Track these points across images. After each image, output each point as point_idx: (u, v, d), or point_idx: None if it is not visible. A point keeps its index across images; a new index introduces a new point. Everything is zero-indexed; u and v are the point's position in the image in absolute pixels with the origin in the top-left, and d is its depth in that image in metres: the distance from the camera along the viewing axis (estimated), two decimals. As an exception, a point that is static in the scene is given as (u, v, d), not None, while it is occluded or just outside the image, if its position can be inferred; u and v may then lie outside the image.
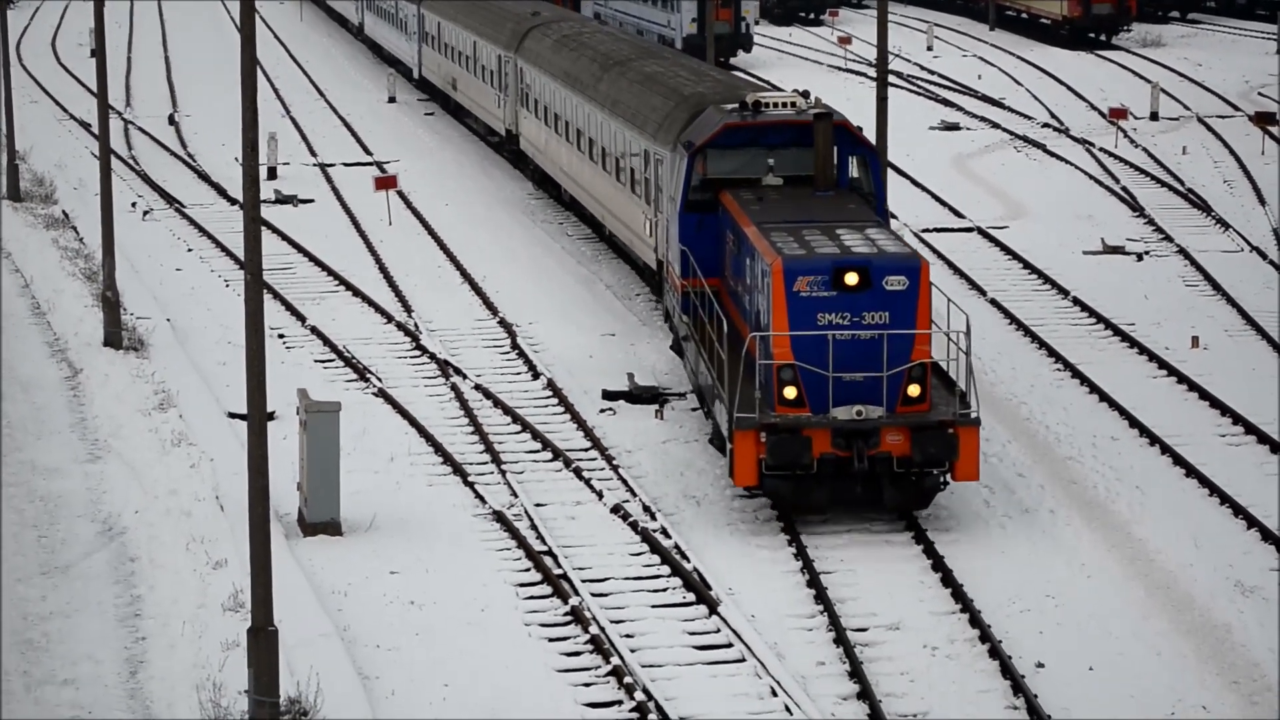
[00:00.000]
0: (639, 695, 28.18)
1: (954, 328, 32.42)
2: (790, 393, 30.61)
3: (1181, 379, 43.82)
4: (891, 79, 57.49)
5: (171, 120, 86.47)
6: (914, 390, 30.90)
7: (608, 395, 43.20)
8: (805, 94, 40.19)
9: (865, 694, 28.01)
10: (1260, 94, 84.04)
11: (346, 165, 72.34)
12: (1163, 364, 45.04)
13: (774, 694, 28.31)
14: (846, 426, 30.41)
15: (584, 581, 32.60)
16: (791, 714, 27.67)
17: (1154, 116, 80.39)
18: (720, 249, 37.43)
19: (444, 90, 79.39)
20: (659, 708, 27.73)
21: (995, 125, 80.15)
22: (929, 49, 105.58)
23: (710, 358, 34.92)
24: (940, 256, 54.11)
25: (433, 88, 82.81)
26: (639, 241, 46.08)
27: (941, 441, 30.48)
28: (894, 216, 45.17)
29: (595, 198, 50.89)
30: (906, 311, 30.67)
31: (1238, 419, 40.79)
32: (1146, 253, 56.43)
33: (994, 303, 49.70)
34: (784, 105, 38.51)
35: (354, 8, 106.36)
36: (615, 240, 52.50)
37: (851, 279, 30.30)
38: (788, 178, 37.58)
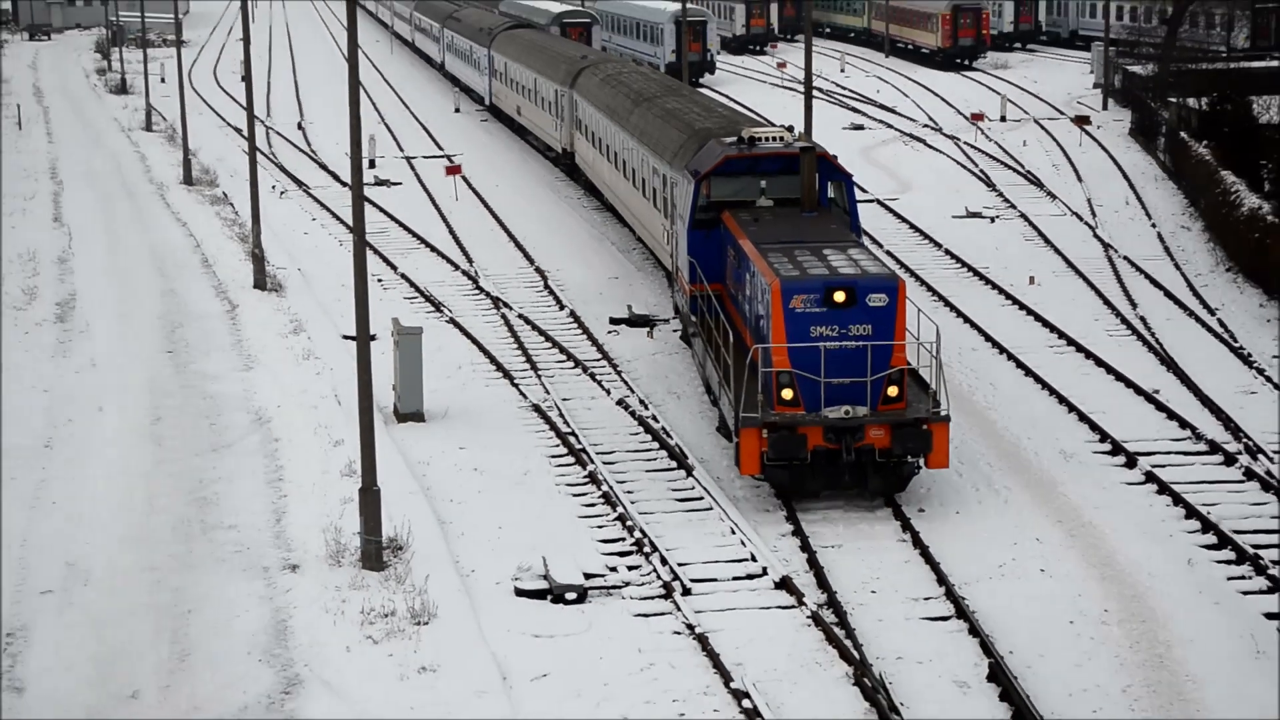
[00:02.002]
0: (637, 534, 28.66)
1: (925, 333, 30.31)
2: (787, 394, 28.33)
3: (1022, 306, 44.06)
4: (815, 93, 57.48)
5: (299, 126, 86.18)
6: (893, 391, 28.49)
7: (613, 321, 43.35)
8: (790, 129, 38.36)
9: (806, 546, 27.97)
10: (1079, 102, 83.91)
11: (425, 158, 72.19)
12: (1009, 296, 45.26)
13: (733, 533, 28.69)
14: (836, 424, 28.14)
15: (597, 453, 32.86)
16: (745, 546, 28.07)
17: (1002, 119, 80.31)
18: (722, 259, 34.87)
19: (510, 115, 77.19)
20: (651, 542, 28.19)
21: (889, 125, 80.00)
22: (842, 70, 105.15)
23: (716, 357, 32.65)
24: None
25: (499, 111, 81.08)
26: (659, 247, 43.39)
27: (918, 436, 28.27)
28: (867, 234, 43.11)
29: (628, 207, 49.02)
30: (886, 324, 28.28)
31: (1062, 335, 41.04)
32: (997, 216, 56.51)
33: (889, 253, 49.69)
34: (774, 139, 36.01)
35: (436, 48, 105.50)
36: (628, 227, 51.13)
37: (840, 297, 27.97)
38: (778, 200, 34.93)
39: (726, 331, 31.39)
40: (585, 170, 58.03)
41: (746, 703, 22.60)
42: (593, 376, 38.38)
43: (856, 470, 28.72)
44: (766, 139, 35.86)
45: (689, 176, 36.07)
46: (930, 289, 45.36)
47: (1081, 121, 73.50)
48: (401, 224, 56.88)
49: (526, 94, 70.55)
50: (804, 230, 32.34)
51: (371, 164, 68.59)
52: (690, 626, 25.10)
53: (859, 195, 36.43)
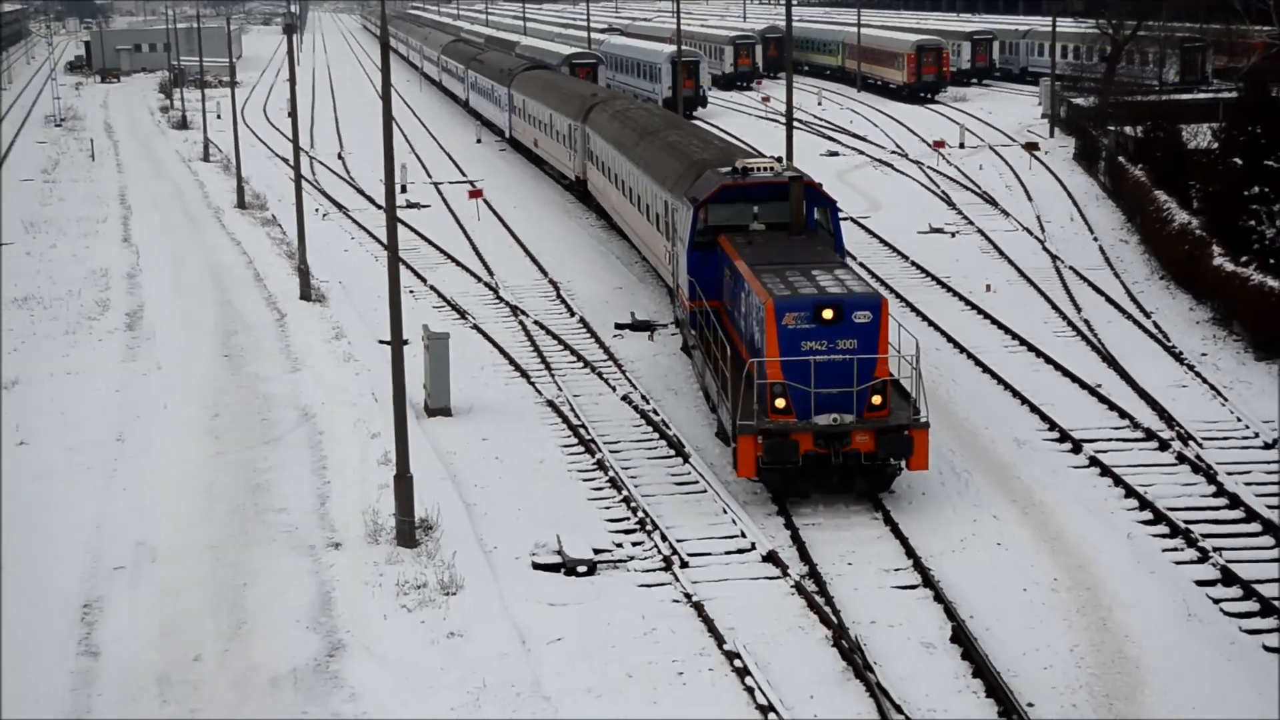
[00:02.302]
0: (640, 514, 28.73)
1: (905, 346, 29.92)
2: (780, 403, 27.62)
3: (979, 311, 44.04)
4: (795, 123, 57.48)
5: (339, 156, 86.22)
6: (877, 400, 27.70)
7: (618, 326, 43.31)
8: (779, 159, 37.71)
9: (790, 524, 28.02)
10: (1028, 131, 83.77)
11: (450, 183, 72.24)
12: (968, 302, 45.25)
13: (725, 512, 28.75)
14: (825, 430, 27.45)
15: (604, 443, 32.85)
16: (736, 524, 28.11)
17: (961, 145, 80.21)
18: (719, 278, 34.08)
19: (528, 146, 76.54)
20: (652, 521, 28.27)
21: (861, 152, 79.96)
22: (819, 104, 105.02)
23: (715, 369, 31.92)
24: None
25: (518, 143, 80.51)
26: (661, 265, 42.54)
27: (900, 441, 27.50)
28: (851, 256, 42.87)
29: (634, 230, 48.30)
30: (871, 338, 27.53)
31: (1015, 336, 41.04)
32: (957, 232, 56.49)
33: (863, 264, 49.69)
34: (765, 169, 35.24)
35: (461, 87, 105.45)
36: (632, 245, 50.59)
37: (828, 314, 27.26)
38: (769, 224, 34.13)
39: (724, 346, 30.77)
40: (596, 196, 57.74)
41: (738, 663, 22.71)
42: (600, 375, 38.38)
43: (844, 472, 28.13)
44: (758, 169, 35.29)
45: (688, 203, 35.46)
46: (899, 296, 45.31)
47: (1031, 148, 73.45)
48: (430, 241, 56.91)
49: (543, 128, 70.26)
50: (793, 252, 31.75)
51: (403, 189, 68.69)
52: (688, 595, 25.17)
53: (840, 217, 35.79)
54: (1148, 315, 43.23)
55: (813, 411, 27.53)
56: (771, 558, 26.44)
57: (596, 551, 26.83)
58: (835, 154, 78.96)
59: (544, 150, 70.86)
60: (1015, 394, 35.76)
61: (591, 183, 58.32)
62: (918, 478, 29.66)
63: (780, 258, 31.05)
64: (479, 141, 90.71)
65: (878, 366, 27.63)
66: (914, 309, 43.81)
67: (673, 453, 32.28)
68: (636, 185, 45.75)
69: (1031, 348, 39.91)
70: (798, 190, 33.61)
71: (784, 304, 27.56)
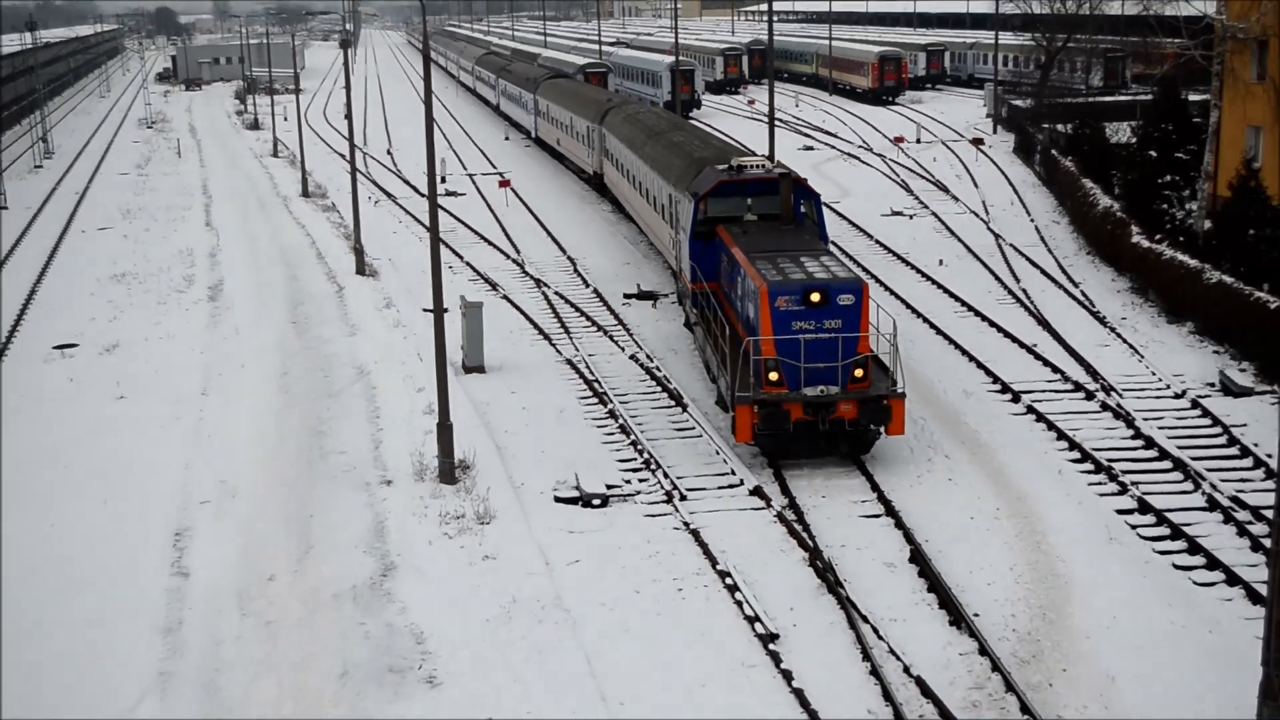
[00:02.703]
0: (645, 455, 28.78)
1: (885, 325, 29.16)
2: (774, 376, 26.67)
3: (933, 282, 43.92)
4: (776, 122, 57.25)
5: (388, 152, 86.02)
6: (859, 373, 26.79)
7: (626, 296, 43.20)
8: (769, 157, 36.09)
9: (773, 463, 27.92)
10: (975, 128, 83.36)
11: (483, 175, 72.07)
12: (923, 274, 45.13)
13: (716, 453, 28.80)
14: (813, 400, 26.55)
15: (615, 395, 32.87)
16: (726, 463, 28.15)
17: (918, 141, 79.94)
18: (717, 263, 33.04)
19: (551, 145, 75.45)
20: (656, 461, 28.34)
21: (832, 146, 79.70)
22: (796, 105, 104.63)
23: (715, 345, 31.08)
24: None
25: (543, 142, 79.41)
26: (665, 250, 41.41)
27: (880, 410, 26.67)
28: (834, 243, 41.85)
29: (642, 218, 47.39)
30: (854, 319, 26.67)
31: (963, 303, 40.98)
32: (914, 214, 56.29)
33: (835, 243, 49.49)
34: (758, 167, 34.19)
35: (492, 94, 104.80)
36: (640, 230, 49.92)
37: (815, 297, 26.45)
38: (761, 215, 33.11)
39: (724, 325, 30.12)
40: (611, 188, 57.14)
41: (729, 580, 22.83)
42: (611, 337, 38.33)
43: (830, 437, 27.39)
44: (751, 166, 34.31)
45: (690, 197, 34.50)
46: (865, 269, 45.25)
47: (977, 143, 73.22)
48: (466, 224, 56.81)
49: (564, 129, 69.42)
50: (783, 240, 30.90)
51: (443, 179, 68.46)
52: (686, 524, 25.26)
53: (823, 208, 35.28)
54: (1076, 285, 43.16)
55: (802, 384, 26.75)
56: (757, 492, 26.52)
57: (609, 487, 26.91)
58: (810, 148, 78.70)
59: (565, 148, 70.24)
60: (964, 352, 35.74)
61: (607, 176, 57.94)
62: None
63: (772, 246, 30.23)
64: (507, 139, 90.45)
65: (860, 344, 26.89)
66: (878, 280, 43.70)
67: (673, 403, 32.29)
68: (645, 179, 45.14)
69: (977, 313, 39.82)
70: (786, 185, 32.99)
71: (777, 288, 26.77)
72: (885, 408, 26.76)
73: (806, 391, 26.71)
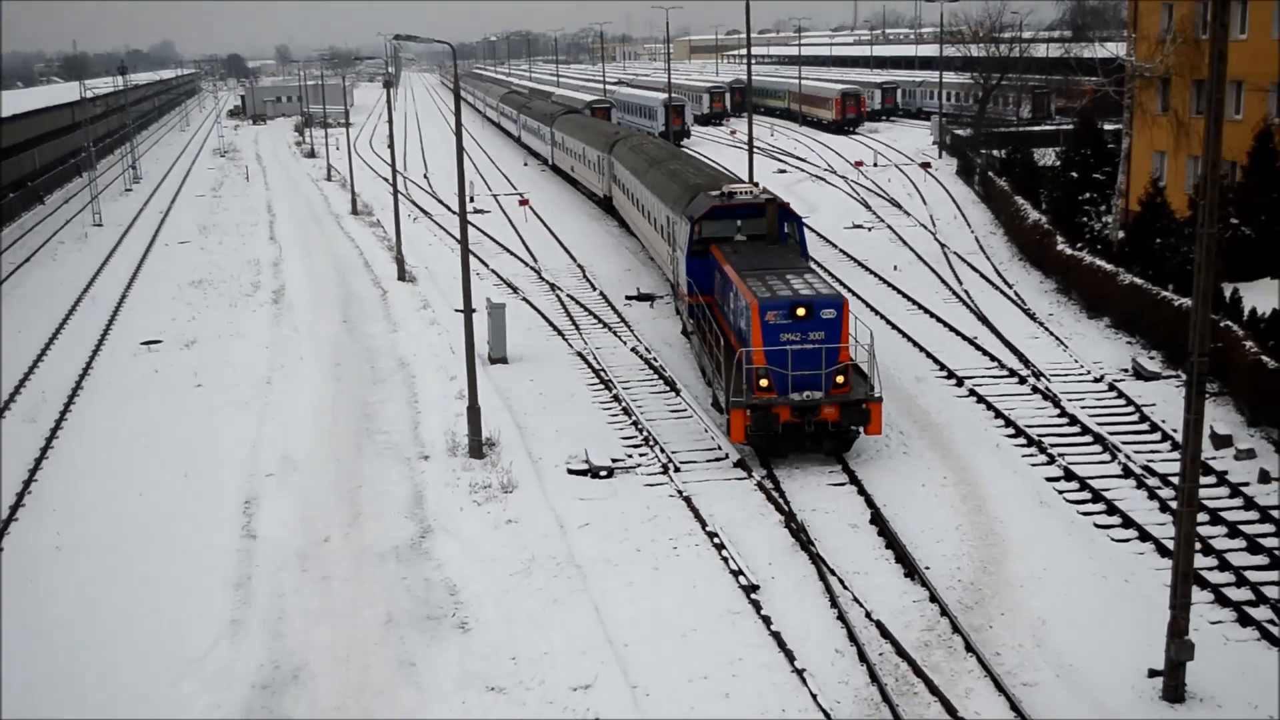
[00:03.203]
0: (644, 433, 28.63)
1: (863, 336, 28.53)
2: (764, 383, 25.61)
3: (889, 284, 43.69)
4: (755, 149, 57.02)
5: (425, 175, 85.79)
6: (840, 380, 25.69)
7: (628, 297, 43.01)
8: (756, 184, 35.16)
9: (759, 450, 27.50)
10: (923, 153, 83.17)
11: (505, 195, 71.86)
12: (880, 277, 44.85)
13: (705, 431, 28.65)
14: (799, 404, 25.53)
15: (618, 381, 32.73)
16: (714, 439, 28.01)
17: (875, 164, 79.67)
18: (711, 278, 31.94)
19: (566, 171, 74.30)
20: (653, 438, 28.19)
21: (802, 169, 79.45)
22: (771, 135, 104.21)
23: (710, 353, 30.08)
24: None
25: (558, 169, 78.22)
26: (664, 264, 40.41)
27: (859, 412, 25.58)
28: (814, 260, 40.71)
29: (645, 237, 45.96)
30: (835, 331, 25.57)
31: (914, 301, 40.79)
32: (872, 227, 56.03)
33: (808, 255, 49.41)
34: (746, 193, 33.08)
35: (514, 126, 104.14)
36: (641, 245, 49.18)
37: (801, 311, 25.39)
38: (750, 235, 32.04)
39: (719, 336, 29.10)
40: (619, 210, 56.29)
41: (716, 540, 22.72)
42: (614, 333, 38.14)
43: (814, 437, 26.24)
44: (740, 192, 33.26)
45: (686, 219, 33.50)
46: (831, 274, 45.06)
47: (925, 166, 72.99)
48: (491, 237, 56.64)
49: (577, 157, 68.46)
50: (770, 259, 29.84)
51: (471, 199, 68.31)
52: (680, 492, 25.13)
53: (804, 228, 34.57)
54: (1010, 286, 42.99)
55: (790, 389, 25.75)
56: (741, 464, 26.35)
57: (613, 460, 26.78)
58: (784, 171, 78.45)
59: (579, 174, 69.35)
60: (915, 344, 35.54)
61: (615, 199, 57.39)
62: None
63: (760, 264, 29.19)
64: (525, 165, 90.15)
65: (840, 354, 25.85)
66: (842, 283, 43.54)
67: (668, 388, 32.13)
68: (646, 202, 44.35)
69: (927, 310, 39.63)
70: (772, 210, 32.18)
71: (766, 303, 25.71)
72: (864, 410, 25.81)
73: (794, 396, 25.73)
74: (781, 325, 25.62)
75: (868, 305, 40.24)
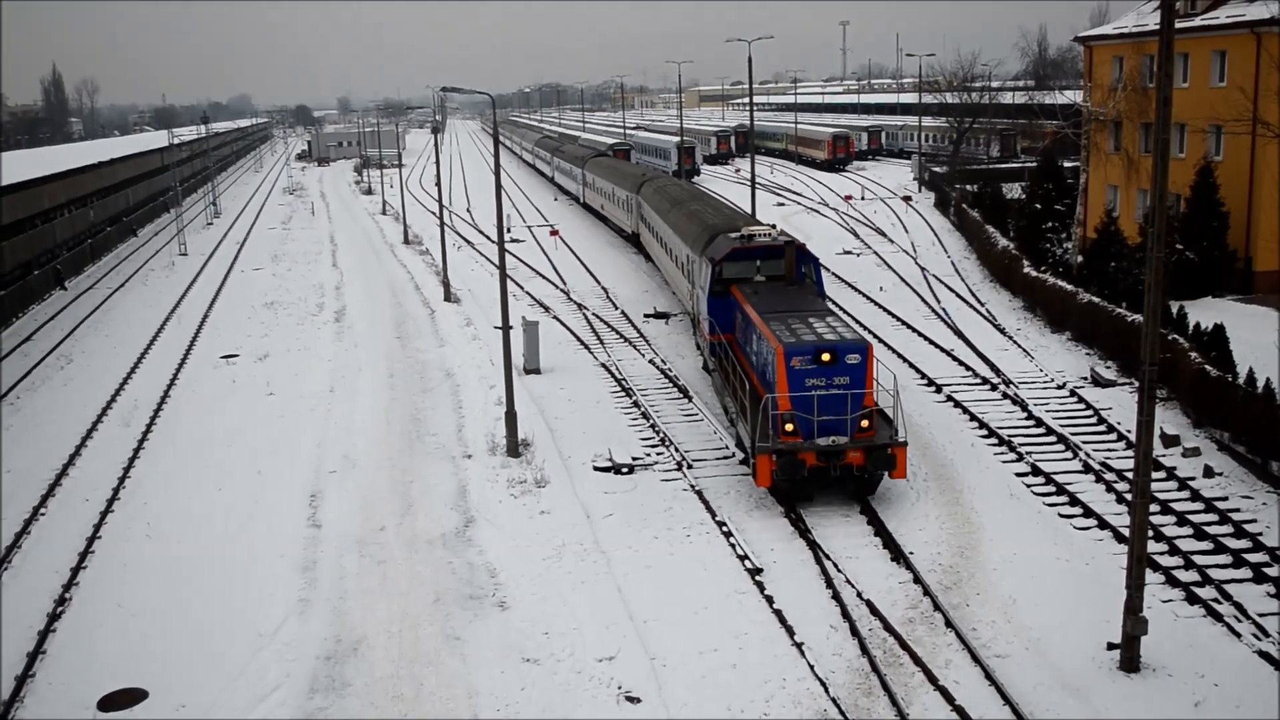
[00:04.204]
0: (661, 434, 28.45)
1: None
2: (789, 428, 22.86)
3: (875, 303, 43.42)
4: (757, 185, 56.85)
5: (467, 210, 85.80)
6: (865, 424, 22.96)
7: (646, 315, 42.86)
8: (774, 226, 32.59)
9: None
10: (905, 188, 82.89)
11: (538, 226, 71.89)
12: (868, 297, 44.58)
13: (715, 433, 28.52)
14: (825, 449, 22.79)
15: (638, 389, 32.62)
16: (722, 440, 27.89)
17: (862, 198, 79.42)
18: (732, 318, 29.22)
19: (596, 209, 72.11)
20: (668, 438, 28.00)
21: (798, 202, 79.25)
22: (771, 172, 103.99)
23: (734, 394, 27.17)
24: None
25: (589, 207, 76.04)
26: (684, 298, 37.89)
27: (885, 457, 22.86)
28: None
29: (666, 272, 43.72)
30: (860, 376, 22.91)
31: (898, 318, 40.58)
32: (860, 253, 55.76)
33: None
34: (764, 235, 30.30)
35: (548, 168, 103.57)
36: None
37: (826, 357, 22.78)
38: (768, 276, 29.75)
39: (743, 379, 25.93)
40: (645, 246, 53.92)
41: (725, 528, 22.63)
42: (634, 346, 38.03)
43: (840, 481, 23.64)
44: (759, 235, 30.44)
45: (708, 261, 30.86)
46: (832, 300, 44.84)
47: (907, 199, 72.69)
48: (525, 263, 56.60)
49: (607, 196, 66.63)
50: (791, 300, 27.23)
51: (508, 229, 68.26)
52: (692, 486, 25.03)
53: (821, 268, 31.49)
54: (982, 305, 42.77)
55: (815, 434, 23.08)
56: (745, 462, 26.21)
57: (634, 458, 26.71)
58: (782, 204, 78.25)
59: (608, 212, 67.30)
60: (899, 355, 35.34)
61: (641, 236, 55.24)
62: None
63: (782, 306, 26.58)
64: (556, 199, 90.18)
65: (865, 398, 23.17)
66: (834, 301, 43.40)
67: (681, 395, 32.02)
68: (669, 241, 42.43)
69: (908, 326, 39.42)
70: (790, 251, 29.84)
71: (791, 349, 23.08)
72: (890, 455, 23.13)
73: (819, 441, 23.03)
74: (807, 371, 23.11)
75: (857, 320, 40.05)
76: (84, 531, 24.11)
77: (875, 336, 37.85)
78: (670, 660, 17.98)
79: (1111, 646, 17.69)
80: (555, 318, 43.19)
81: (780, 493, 23.93)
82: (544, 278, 52.79)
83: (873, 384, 23.43)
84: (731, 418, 27.86)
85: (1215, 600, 19.34)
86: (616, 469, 26.22)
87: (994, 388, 31.70)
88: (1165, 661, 17.44)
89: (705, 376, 33.32)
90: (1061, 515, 22.99)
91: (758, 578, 20.48)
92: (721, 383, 29.21)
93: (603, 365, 35.75)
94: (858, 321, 40.00)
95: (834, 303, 42.97)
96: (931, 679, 17.11)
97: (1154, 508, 22.65)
